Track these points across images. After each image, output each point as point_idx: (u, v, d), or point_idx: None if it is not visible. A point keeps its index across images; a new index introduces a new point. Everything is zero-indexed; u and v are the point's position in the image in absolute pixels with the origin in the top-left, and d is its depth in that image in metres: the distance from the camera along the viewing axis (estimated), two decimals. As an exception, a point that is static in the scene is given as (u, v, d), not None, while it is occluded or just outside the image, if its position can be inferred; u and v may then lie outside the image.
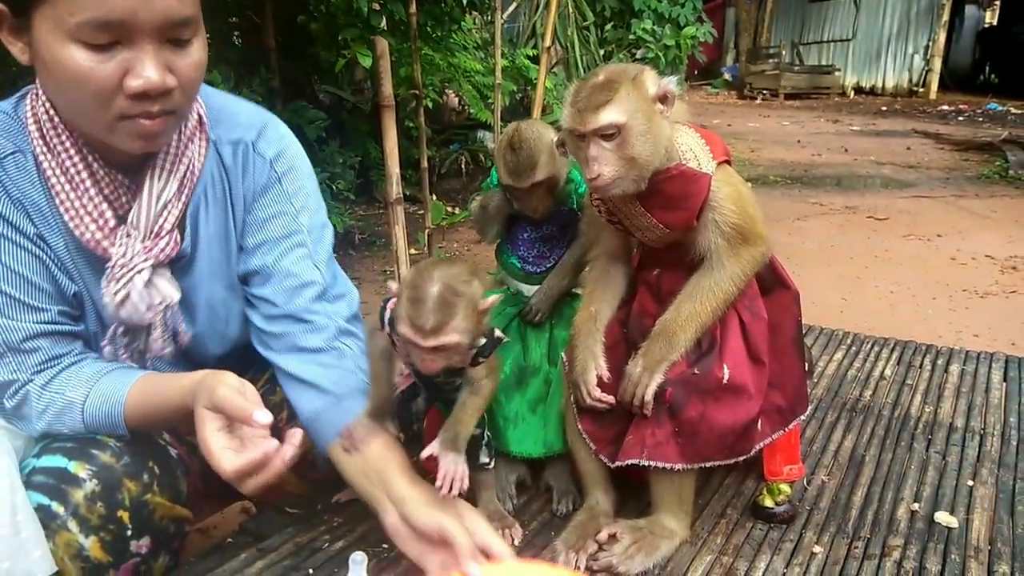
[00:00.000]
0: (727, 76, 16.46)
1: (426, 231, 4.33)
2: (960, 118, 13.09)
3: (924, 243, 5.60)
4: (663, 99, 1.31)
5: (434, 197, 5.20)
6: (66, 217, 1.20)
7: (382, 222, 5.97)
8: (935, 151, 9.74)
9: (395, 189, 3.73)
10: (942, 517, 1.48)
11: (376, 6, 3.16)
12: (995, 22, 17.69)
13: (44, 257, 1.23)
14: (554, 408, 1.57)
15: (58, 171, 1.19)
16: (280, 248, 1.35)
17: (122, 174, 1.22)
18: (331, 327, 1.35)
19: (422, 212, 5.12)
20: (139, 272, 1.22)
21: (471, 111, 6.92)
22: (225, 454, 1.12)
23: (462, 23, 5.94)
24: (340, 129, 5.75)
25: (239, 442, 1.14)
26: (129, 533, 1.22)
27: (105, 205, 1.21)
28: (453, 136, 7.48)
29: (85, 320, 1.29)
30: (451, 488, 1.24)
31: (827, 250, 5.36)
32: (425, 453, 1.29)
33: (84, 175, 1.19)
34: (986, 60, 17.33)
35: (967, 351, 2.28)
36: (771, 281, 1.49)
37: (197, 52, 1.12)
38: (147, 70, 1.05)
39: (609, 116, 1.26)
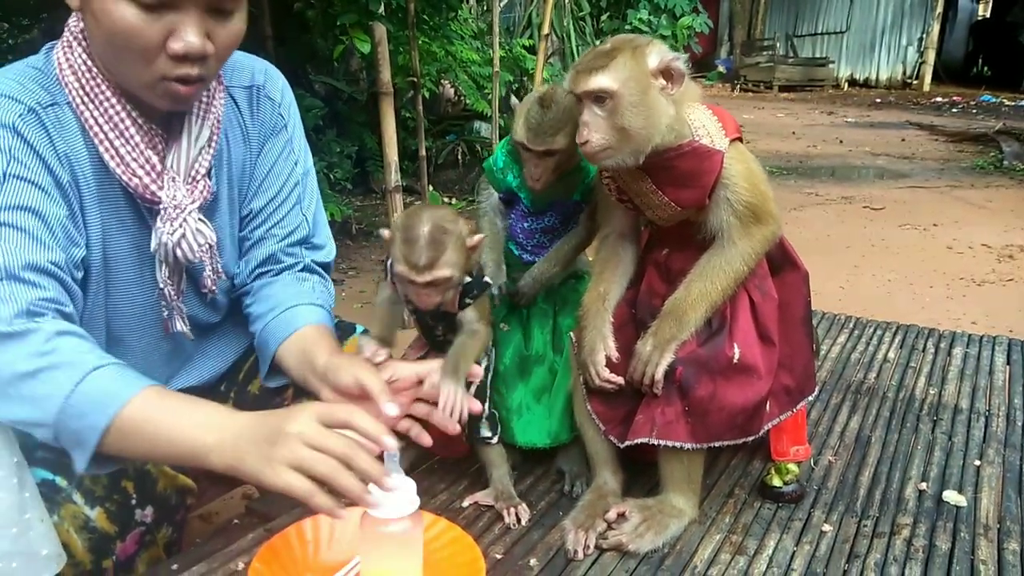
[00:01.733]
0: (721, 68, 16.45)
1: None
2: (954, 110, 13.15)
3: (920, 232, 5.62)
4: (667, 75, 1.29)
5: (431, 188, 5.19)
6: (112, 164, 1.22)
7: (379, 212, 5.96)
8: (929, 142, 9.78)
9: (393, 177, 3.72)
10: (951, 496, 1.48)
11: (375, -8, 3.14)
12: (988, 14, 17.75)
13: (71, 206, 1.22)
14: (560, 398, 1.55)
15: (101, 120, 1.21)
16: (278, 194, 1.44)
17: (155, 123, 1.25)
18: (301, 263, 1.48)
19: (419, 203, 5.11)
20: (190, 213, 1.26)
21: (467, 102, 6.91)
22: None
23: (459, 12, 5.91)
24: (336, 119, 5.73)
25: None
26: (134, 502, 1.22)
27: (150, 151, 1.24)
28: (449, 127, 7.47)
29: (88, 266, 1.26)
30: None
31: (824, 239, 5.38)
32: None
33: (127, 122, 1.22)
34: (979, 52, 17.40)
35: (969, 335, 2.28)
36: (781, 261, 1.48)
37: (237, 23, 1.18)
38: (189, 35, 1.10)
39: (600, 81, 1.25)
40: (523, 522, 1.40)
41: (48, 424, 1.07)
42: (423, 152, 4.14)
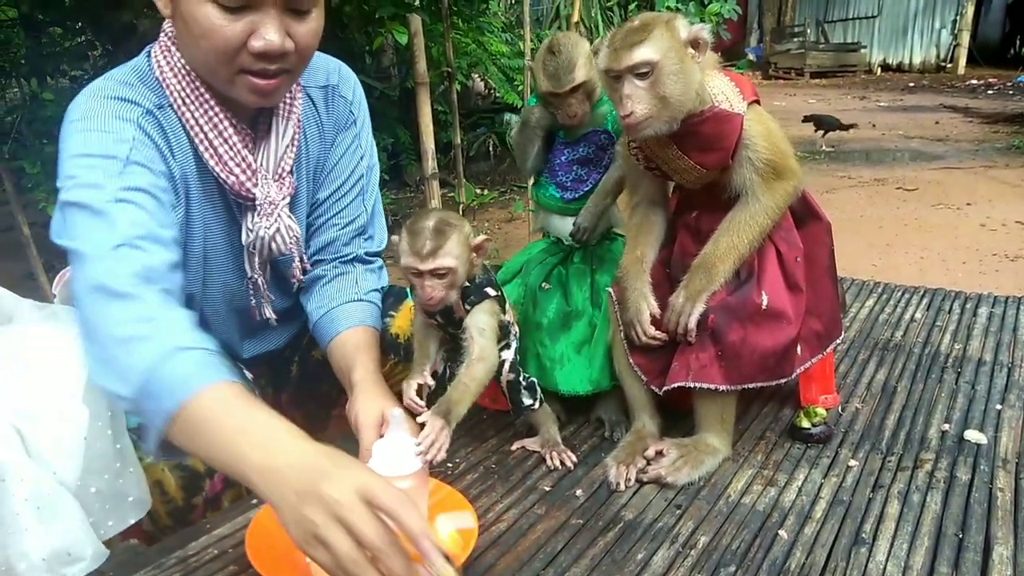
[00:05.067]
0: (751, 56, 16.35)
1: (460, 207, 4.45)
2: (989, 92, 12.94)
3: (954, 211, 5.61)
4: (695, 44, 1.38)
5: (464, 179, 5.30)
6: (211, 163, 1.33)
7: (413, 204, 6.11)
8: (964, 124, 9.67)
9: (431, 164, 3.84)
10: (971, 435, 1.56)
11: (411, -16, 3.27)
12: (1025, -6, 17.37)
13: (178, 196, 1.32)
14: (599, 348, 1.66)
15: (202, 120, 1.31)
16: (342, 185, 1.54)
17: (245, 124, 1.35)
18: (352, 254, 1.58)
19: (452, 194, 5.24)
20: (282, 209, 1.38)
21: (497, 94, 7.02)
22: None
23: (489, 4, 6.03)
24: (371, 114, 5.89)
25: None
26: None
27: (246, 151, 1.34)
28: (480, 120, 7.60)
29: (189, 257, 1.38)
30: (429, 453, 1.25)
31: (856, 220, 5.40)
32: (421, 419, 1.33)
33: (225, 123, 1.32)
34: (1016, 34, 17.05)
35: (995, 296, 2.34)
36: (804, 214, 1.58)
37: (315, 21, 1.26)
38: (269, 33, 1.19)
39: (643, 54, 1.33)
40: (567, 464, 1.50)
41: (128, 398, 1.09)
42: (457, 141, 4.25)
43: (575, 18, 4.27)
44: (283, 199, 1.39)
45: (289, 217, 1.41)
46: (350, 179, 1.55)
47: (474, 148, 7.20)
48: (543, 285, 1.73)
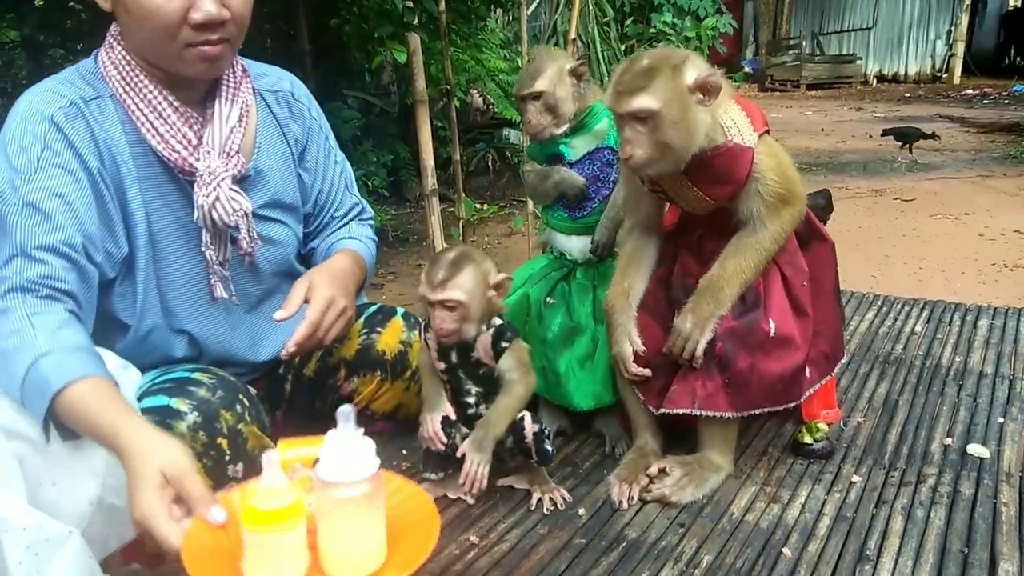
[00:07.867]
0: (747, 69, 16.41)
1: (460, 222, 4.46)
2: (985, 101, 12.98)
3: (952, 221, 5.61)
4: (704, 89, 1.34)
5: (463, 194, 5.30)
6: (153, 143, 1.40)
7: (413, 220, 6.10)
8: (960, 134, 9.69)
9: (430, 181, 3.85)
10: (974, 449, 1.56)
11: (409, 4, 3.29)
12: (1019, 4, 17.49)
13: (98, 190, 1.36)
14: (601, 364, 1.66)
15: (141, 104, 1.40)
16: (332, 185, 1.68)
17: (189, 107, 1.43)
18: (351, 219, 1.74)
19: (452, 210, 5.26)
20: (223, 180, 1.43)
21: (496, 109, 7.05)
22: (171, 527, 1.04)
23: (487, 21, 6.07)
24: (370, 131, 5.91)
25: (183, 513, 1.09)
26: (227, 458, 1.35)
27: (187, 128, 1.42)
28: (479, 135, 7.61)
29: (135, 241, 1.41)
30: (472, 488, 1.35)
31: (855, 231, 5.40)
32: (460, 451, 1.39)
33: (164, 105, 1.40)
34: (1011, 43, 17.14)
35: (995, 308, 2.35)
36: (808, 235, 1.57)
37: None
38: (206, 4, 1.30)
39: (641, 102, 1.31)
40: (559, 505, 1.43)
41: (16, 399, 1.18)
42: (457, 156, 4.26)
43: (572, 35, 4.28)
44: (227, 172, 1.44)
45: (233, 189, 1.45)
46: (333, 178, 1.69)
47: (473, 163, 7.20)
48: (547, 300, 1.74)
